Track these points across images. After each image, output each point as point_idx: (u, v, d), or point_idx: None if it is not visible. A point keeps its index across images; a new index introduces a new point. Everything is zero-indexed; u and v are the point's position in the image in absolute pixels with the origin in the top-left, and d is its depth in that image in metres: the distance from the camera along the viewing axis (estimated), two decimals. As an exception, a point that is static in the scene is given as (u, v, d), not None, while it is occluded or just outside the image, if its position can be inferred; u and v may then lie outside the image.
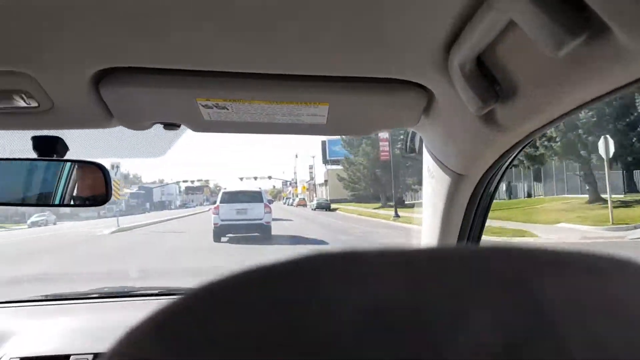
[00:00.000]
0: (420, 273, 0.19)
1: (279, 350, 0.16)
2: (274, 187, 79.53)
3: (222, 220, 13.28)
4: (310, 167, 56.39)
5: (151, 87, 0.74)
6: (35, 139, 1.02)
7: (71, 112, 0.84)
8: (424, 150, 1.03)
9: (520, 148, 0.78)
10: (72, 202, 1.06)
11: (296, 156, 63.33)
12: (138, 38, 0.61)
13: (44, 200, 1.10)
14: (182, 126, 0.92)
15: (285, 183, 73.60)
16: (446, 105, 0.76)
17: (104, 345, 0.90)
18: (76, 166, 1.05)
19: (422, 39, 0.60)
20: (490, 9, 0.50)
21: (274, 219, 15.01)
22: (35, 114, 0.84)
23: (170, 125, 0.89)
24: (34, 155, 1.03)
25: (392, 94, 0.75)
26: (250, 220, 13.46)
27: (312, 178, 54.65)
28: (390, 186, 28.00)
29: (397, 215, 19.15)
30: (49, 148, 1.02)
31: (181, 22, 0.57)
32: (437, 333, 0.16)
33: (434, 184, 1.02)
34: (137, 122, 0.88)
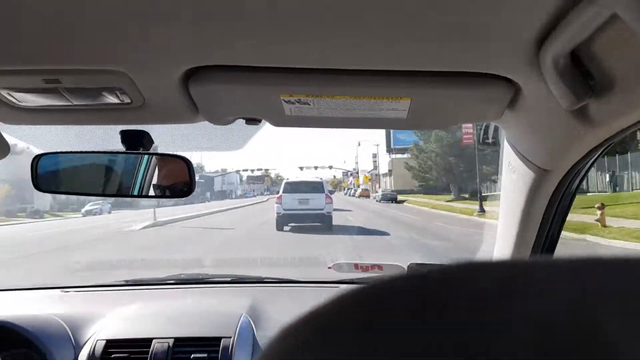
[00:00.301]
0: (592, 284, 0.19)
1: None
2: (334, 177, 79.83)
3: (285, 210, 13.91)
4: (374, 156, 55.93)
5: (237, 84, 0.79)
6: (123, 133, 1.12)
7: (160, 108, 0.91)
8: (505, 144, 1.04)
9: (609, 144, 0.77)
10: (157, 194, 1.16)
11: (359, 144, 62.28)
12: (226, 37, 0.65)
13: (129, 191, 1.20)
14: (262, 121, 0.98)
15: (346, 173, 73.65)
16: (534, 99, 0.76)
17: (183, 330, 1.01)
18: (162, 159, 1.14)
19: (514, 33, 0.61)
20: (591, 4, 0.51)
21: (335, 209, 15.38)
22: (127, 110, 0.92)
23: (251, 121, 0.96)
24: (122, 148, 1.13)
25: (477, 88, 0.76)
26: (311, 210, 13.99)
27: (375, 167, 54.22)
28: (463, 177, 26.49)
29: (482, 210, 17.04)
30: (136, 142, 1.11)
31: (267, 21, 0.61)
32: (617, 347, 0.16)
33: (514, 178, 1.02)
34: (221, 118, 0.95)
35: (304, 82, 0.77)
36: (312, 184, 15.21)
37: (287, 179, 17.51)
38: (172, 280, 1.81)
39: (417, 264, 1.67)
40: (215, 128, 1.08)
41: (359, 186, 51.31)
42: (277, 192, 16.32)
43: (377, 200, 32.57)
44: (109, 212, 29.00)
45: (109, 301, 1.61)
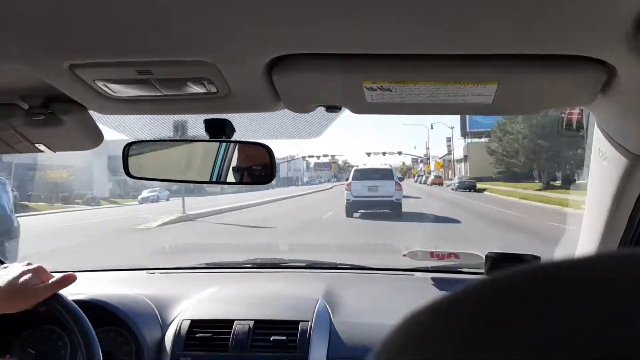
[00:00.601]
0: None
1: None
2: (403, 164, 78.83)
3: (354, 197, 14.35)
4: (448, 140, 54.51)
5: (319, 72, 0.82)
6: (207, 122, 1.20)
7: (244, 97, 0.97)
8: (595, 130, 1.02)
9: None
10: (240, 180, 1.24)
11: (431, 127, 59.90)
12: (311, 25, 0.68)
13: (212, 178, 1.28)
14: (342, 108, 1.02)
15: (415, 160, 72.47)
16: (630, 81, 0.74)
17: (262, 312, 1.09)
18: (243, 146, 1.22)
19: (610, 11, 0.60)
20: None
21: (404, 197, 15.59)
22: (213, 99, 0.99)
23: (332, 108, 1.00)
24: (204, 136, 1.22)
25: (568, 71, 0.75)
26: (381, 197, 14.34)
27: (449, 152, 52.85)
28: (554, 161, 24.43)
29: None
30: (218, 130, 1.19)
31: (351, 7, 0.63)
32: None
33: (605, 165, 1.00)
34: (302, 106, 1.00)
35: (387, 69, 0.79)
36: (381, 171, 15.69)
37: (357, 166, 17.85)
38: (249, 264, 1.92)
39: (495, 253, 1.66)
40: (295, 116, 1.14)
41: (429, 173, 50.31)
42: (345, 179, 16.61)
43: (452, 189, 30.88)
44: (167, 200, 28.52)
45: (191, 283, 1.73)
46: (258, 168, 1.23)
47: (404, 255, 1.88)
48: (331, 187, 37.57)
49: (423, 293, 1.66)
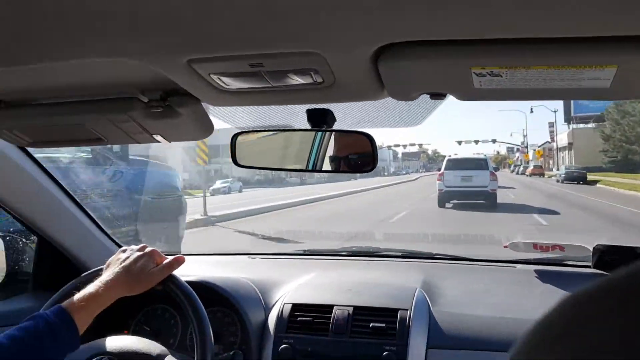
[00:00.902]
0: None
1: None
2: (497, 153, 75.74)
3: (447, 187, 14.39)
4: (550, 125, 51.41)
5: (426, 59, 0.83)
6: (309, 112, 1.27)
7: (349, 87, 1.01)
8: None
9: None
10: (342, 169, 1.31)
11: (531, 111, 56.38)
12: (418, 12, 0.70)
13: (315, 167, 1.36)
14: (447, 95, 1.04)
15: (511, 149, 69.33)
16: None
17: (361, 299, 1.17)
18: (345, 135, 1.28)
19: None
20: None
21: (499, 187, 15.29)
22: (318, 90, 1.04)
23: (436, 95, 1.02)
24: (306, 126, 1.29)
25: None
26: (475, 187, 14.20)
27: (552, 139, 49.84)
28: None
29: None
30: (320, 119, 1.26)
31: None
32: None
33: None
34: (406, 94, 1.02)
35: (499, 54, 0.79)
36: (475, 160, 15.56)
37: (449, 155, 17.64)
38: (345, 251, 1.99)
39: (604, 246, 1.60)
40: (396, 104, 1.18)
41: (528, 162, 47.91)
42: (437, 170, 16.49)
43: (557, 180, 28.17)
44: (240, 191, 28.15)
45: (290, 268, 1.84)
46: (358, 156, 1.28)
47: (505, 247, 1.86)
48: (415, 179, 36.37)
49: (526, 286, 1.65)
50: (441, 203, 14.24)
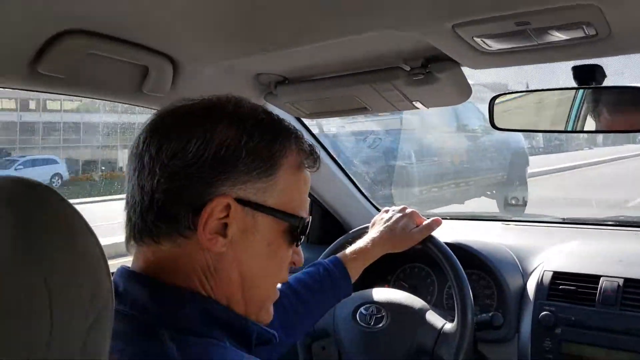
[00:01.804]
0: None
1: None
2: None
3: None
4: None
5: None
6: (576, 69, 1.27)
7: (628, 39, 0.99)
8: None
9: None
10: (613, 129, 1.28)
11: None
12: None
13: (582, 127, 1.35)
14: None
15: None
16: None
17: (633, 271, 1.16)
18: (616, 92, 1.25)
19: None
20: None
21: None
22: (589, 44, 1.02)
23: None
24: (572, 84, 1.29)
25: None
26: None
27: None
28: None
29: None
30: (589, 76, 1.25)
31: None
32: None
33: None
34: None
35: None
36: None
37: None
38: (612, 221, 1.91)
39: None
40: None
41: None
42: None
43: None
44: None
45: (547, 236, 1.84)
46: (633, 114, 1.24)
47: None
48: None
49: None
50: None
